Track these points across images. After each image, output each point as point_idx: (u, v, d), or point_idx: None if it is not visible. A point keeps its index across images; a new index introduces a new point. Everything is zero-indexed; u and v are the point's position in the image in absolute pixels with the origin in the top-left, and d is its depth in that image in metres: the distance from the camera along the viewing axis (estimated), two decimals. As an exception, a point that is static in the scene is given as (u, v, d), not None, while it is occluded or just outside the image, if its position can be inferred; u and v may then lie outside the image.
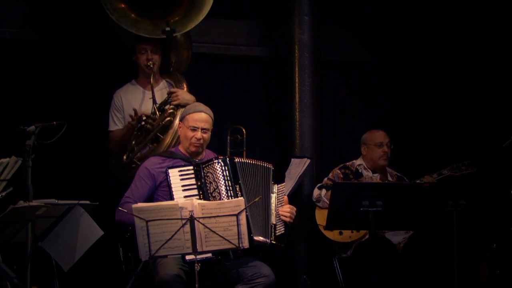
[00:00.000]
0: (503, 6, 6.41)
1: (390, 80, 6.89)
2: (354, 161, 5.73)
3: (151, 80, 5.25)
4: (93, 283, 5.65)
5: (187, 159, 4.62)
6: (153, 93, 5.23)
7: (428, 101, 6.87)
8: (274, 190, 4.53)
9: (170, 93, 5.28)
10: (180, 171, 4.43)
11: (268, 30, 6.39)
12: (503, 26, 6.48)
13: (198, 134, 4.58)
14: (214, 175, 4.40)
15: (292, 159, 5.56)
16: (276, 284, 4.45)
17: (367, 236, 5.30)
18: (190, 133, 4.60)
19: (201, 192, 4.38)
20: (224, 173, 4.40)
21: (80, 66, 5.81)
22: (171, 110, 5.21)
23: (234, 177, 4.42)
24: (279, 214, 4.50)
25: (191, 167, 4.45)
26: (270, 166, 4.58)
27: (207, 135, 4.63)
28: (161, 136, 5.19)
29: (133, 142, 5.27)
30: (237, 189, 4.40)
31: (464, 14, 6.62)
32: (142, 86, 5.40)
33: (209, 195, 4.38)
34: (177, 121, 5.11)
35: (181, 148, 4.71)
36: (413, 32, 6.75)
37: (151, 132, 5.20)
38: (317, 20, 6.12)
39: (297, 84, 6.03)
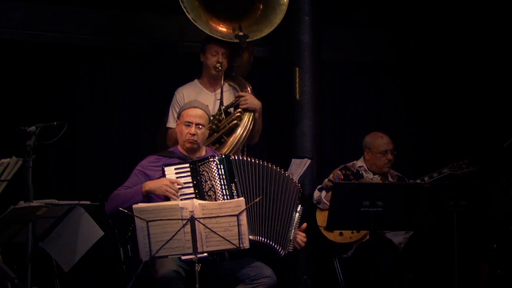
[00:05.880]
0: (503, 6, 6.41)
1: (390, 80, 6.90)
2: (355, 162, 5.72)
3: (221, 81, 5.17)
4: (93, 283, 5.65)
5: (184, 158, 4.57)
6: (221, 94, 5.17)
7: (428, 101, 6.87)
8: (299, 209, 4.53)
9: (238, 97, 5.22)
10: (176, 169, 4.39)
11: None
12: (503, 26, 6.48)
13: (192, 129, 4.52)
14: (210, 173, 4.37)
15: (293, 159, 5.55)
16: (277, 285, 4.44)
17: (367, 237, 5.29)
18: (185, 129, 4.55)
19: (196, 191, 4.33)
20: (220, 171, 4.36)
21: (80, 66, 5.80)
22: (238, 114, 5.15)
23: (229, 176, 4.37)
24: (295, 234, 4.49)
25: (187, 165, 4.40)
26: (299, 185, 4.59)
27: (201, 131, 4.56)
28: (225, 138, 5.14)
29: None
30: (233, 187, 4.36)
31: (464, 14, 6.62)
32: (205, 87, 5.29)
33: (205, 194, 4.32)
34: (242, 124, 5.12)
35: (179, 148, 4.69)
36: (413, 32, 6.75)
37: (214, 133, 5.11)
38: (317, 20, 6.12)
39: (297, 84, 6.03)
